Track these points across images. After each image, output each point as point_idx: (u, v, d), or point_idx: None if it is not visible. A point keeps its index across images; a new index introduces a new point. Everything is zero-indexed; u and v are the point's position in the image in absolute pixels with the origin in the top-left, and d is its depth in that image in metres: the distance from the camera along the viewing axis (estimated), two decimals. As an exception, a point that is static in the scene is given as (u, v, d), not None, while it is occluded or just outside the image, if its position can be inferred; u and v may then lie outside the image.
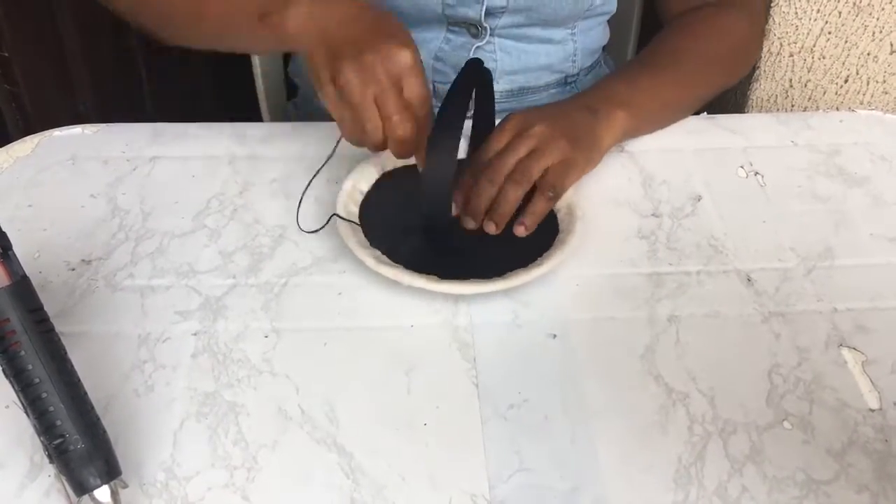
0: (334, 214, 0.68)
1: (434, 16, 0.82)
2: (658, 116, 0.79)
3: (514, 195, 0.66)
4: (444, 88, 0.88)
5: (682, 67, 0.80)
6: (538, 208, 0.67)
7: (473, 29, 0.83)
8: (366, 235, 0.67)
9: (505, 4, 0.81)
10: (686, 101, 0.81)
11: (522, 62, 0.87)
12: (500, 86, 0.88)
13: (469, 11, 0.81)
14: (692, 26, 0.84)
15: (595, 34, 0.91)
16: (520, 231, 0.66)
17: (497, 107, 0.89)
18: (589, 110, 0.72)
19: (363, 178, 0.72)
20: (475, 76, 0.66)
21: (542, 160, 0.67)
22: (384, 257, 0.65)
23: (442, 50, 0.85)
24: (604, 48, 0.95)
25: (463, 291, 0.62)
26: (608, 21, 0.93)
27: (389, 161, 0.72)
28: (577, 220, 0.67)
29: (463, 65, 0.86)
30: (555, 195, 0.67)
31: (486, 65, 0.86)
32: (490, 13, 0.82)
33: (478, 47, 0.85)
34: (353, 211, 0.69)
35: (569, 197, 0.70)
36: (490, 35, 0.84)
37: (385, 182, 0.73)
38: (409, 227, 0.67)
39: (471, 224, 0.67)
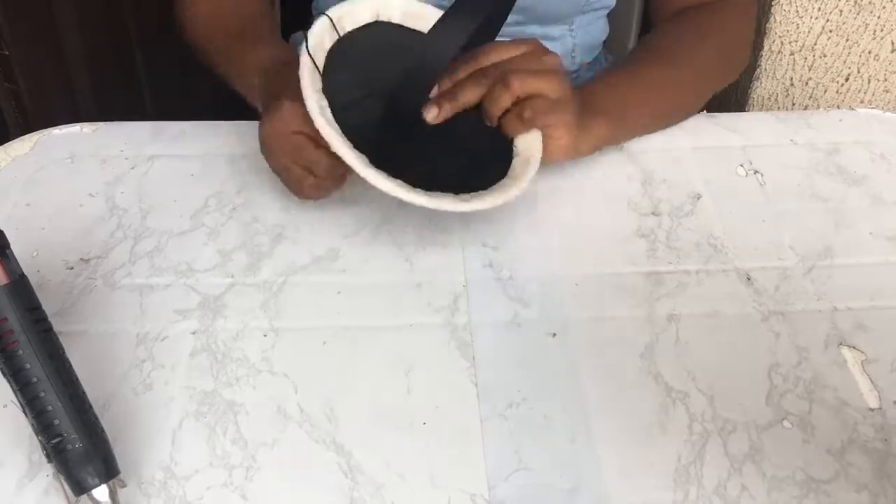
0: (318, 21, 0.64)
1: None
2: (644, 124, 0.77)
3: (494, 89, 0.64)
4: None
5: (681, 69, 0.78)
6: (507, 123, 0.65)
7: None
8: (323, 83, 0.63)
9: None
10: (683, 106, 0.79)
11: None
12: None
13: None
14: (691, 24, 0.82)
15: (594, 29, 0.91)
16: (444, 106, 0.64)
17: None
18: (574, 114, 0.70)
19: (351, 16, 0.67)
20: None
21: (536, 77, 0.64)
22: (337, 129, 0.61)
23: None
24: (604, 43, 0.95)
25: (397, 193, 0.59)
26: (608, 16, 0.93)
27: (385, 8, 0.69)
28: (526, 174, 0.64)
29: None
30: (528, 120, 0.65)
31: None
32: None
33: None
34: (325, 46, 0.65)
35: (532, 149, 0.66)
36: None
37: (372, 31, 0.68)
38: (374, 92, 0.63)
39: (432, 112, 0.64)
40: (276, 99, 0.64)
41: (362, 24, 0.68)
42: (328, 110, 0.61)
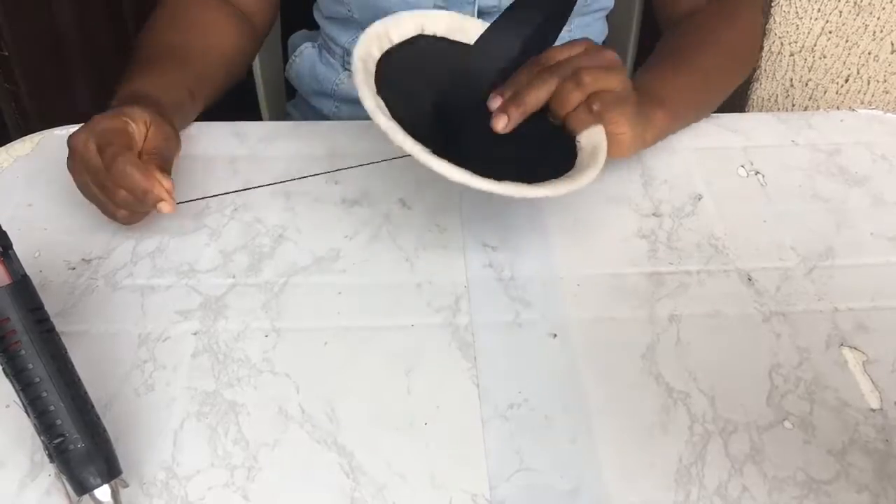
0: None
1: None
2: (690, 116, 0.78)
3: (564, 86, 0.64)
4: None
5: (707, 64, 0.78)
6: (575, 118, 0.64)
7: None
8: (378, 91, 0.61)
9: (497, 3, 0.81)
10: (713, 99, 0.80)
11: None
12: None
13: (461, 12, 0.82)
14: (708, 22, 0.82)
15: (592, 31, 0.91)
16: (529, 100, 0.63)
17: None
18: (638, 104, 0.69)
19: (396, 28, 0.67)
20: None
21: (605, 72, 0.64)
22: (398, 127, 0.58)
23: None
24: (602, 44, 0.95)
25: (456, 177, 0.57)
26: (608, 18, 0.93)
27: (430, 22, 0.69)
28: (596, 163, 0.63)
29: None
30: (596, 113, 0.64)
31: None
32: (483, 12, 0.82)
33: None
34: (374, 56, 0.64)
35: (597, 141, 0.65)
36: None
37: (418, 43, 0.68)
38: (425, 99, 0.62)
39: (502, 122, 0.62)
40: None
41: (408, 37, 0.68)
42: (385, 109, 0.60)
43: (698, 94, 0.78)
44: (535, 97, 0.64)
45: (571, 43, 0.67)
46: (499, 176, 0.59)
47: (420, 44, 0.68)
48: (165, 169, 0.65)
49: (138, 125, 0.65)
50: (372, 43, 0.65)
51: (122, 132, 0.64)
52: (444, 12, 0.70)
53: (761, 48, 0.90)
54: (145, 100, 0.69)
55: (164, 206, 0.63)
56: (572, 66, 0.65)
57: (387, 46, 0.66)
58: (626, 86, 0.66)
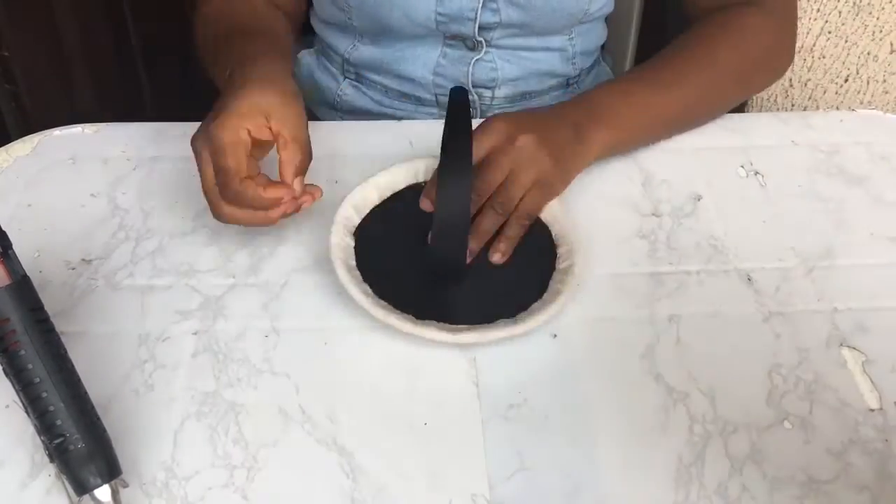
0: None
1: (429, 31, 0.82)
2: (652, 131, 0.77)
3: (493, 224, 0.65)
4: (445, 100, 0.87)
5: (691, 80, 0.76)
6: (512, 233, 0.66)
7: (470, 42, 0.84)
8: (358, 265, 0.64)
9: (498, 20, 0.81)
10: (692, 115, 0.78)
11: (523, 68, 0.87)
12: (502, 91, 0.88)
13: (462, 28, 0.82)
14: (713, 32, 0.79)
15: (593, 35, 0.90)
16: (496, 258, 0.65)
17: (500, 111, 0.89)
18: (574, 127, 0.70)
19: (363, 201, 0.69)
20: (463, 105, 0.63)
21: (521, 181, 0.65)
22: (380, 302, 0.61)
23: (440, 65, 0.86)
24: (602, 46, 0.95)
25: (465, 340, 0.59)
26: (606, 20, 0.93)
27: (388, 186, 0.71)
28: (575, 252, 0.64)
29: (461, 77, 0.85)
30: (529, 221, 0.66)
31: (486, 74, 0.86)
32: (483, 28, 0.82)
33: (477, 59, 0.85)
34: (350, 243, 0.66)
35: (558, 216, 0.67)
36: (487, 46, 0.84)
37: (388, 204, 0.70)
38: (404, 258, 0.65)
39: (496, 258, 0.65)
40: (232, 99, 0.63)
41: (401, 188, 0.70)
42: (359, 282, 0.62)
43: (670, 111, 0.76)
44: (490, 230, 0.65)
45: (482, 135, 0.66)
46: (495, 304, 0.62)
47: (413, 192, 0.71)
48: (301, 149, 0.63)
49: (257, 123, 0.63)
50: (343, 229, 0.67)
51: (237, 145, 0.62)
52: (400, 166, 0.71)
53: (781, 60, 0.83)
54: (269, 82, 0.66)
55: (276, 213, 0.63)
56: (507, 208, 0.65)
57: (355, 224, 0.68)
58: (542, 161, 0.66)
